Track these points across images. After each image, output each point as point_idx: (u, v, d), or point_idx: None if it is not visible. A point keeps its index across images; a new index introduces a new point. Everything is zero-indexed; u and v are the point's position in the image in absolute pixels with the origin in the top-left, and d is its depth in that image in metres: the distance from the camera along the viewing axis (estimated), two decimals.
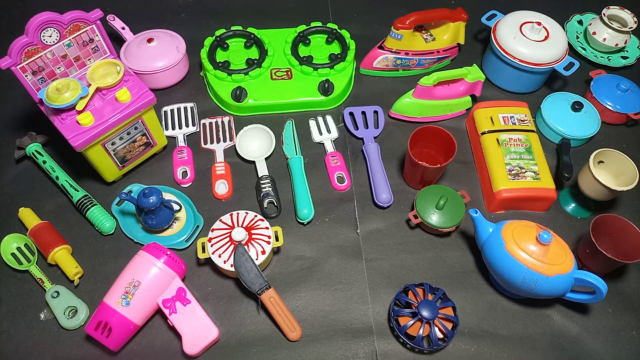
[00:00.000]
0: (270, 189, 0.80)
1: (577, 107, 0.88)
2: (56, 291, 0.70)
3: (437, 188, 0.78)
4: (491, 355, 0.69)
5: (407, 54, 0.94)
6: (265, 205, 0.79)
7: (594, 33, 1.01)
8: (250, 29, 0.96)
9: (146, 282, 0.66)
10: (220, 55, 0.95)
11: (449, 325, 0.68)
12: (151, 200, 0.69)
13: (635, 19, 0.99)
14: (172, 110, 0.90)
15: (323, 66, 0.92)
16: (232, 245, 0.70)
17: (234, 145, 0.86)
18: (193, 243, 0.77)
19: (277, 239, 0.73)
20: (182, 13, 1.06)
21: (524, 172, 0.80)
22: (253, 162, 0.84)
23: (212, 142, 0.87)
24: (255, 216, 0.73)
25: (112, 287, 0.66)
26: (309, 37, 0.97)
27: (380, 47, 0.94)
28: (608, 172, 0.80)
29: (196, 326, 0.66)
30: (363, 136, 0.88)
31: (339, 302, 0.73)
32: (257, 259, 0.69)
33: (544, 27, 0.91)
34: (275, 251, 0.76)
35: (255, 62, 0.92)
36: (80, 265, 0.73)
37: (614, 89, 0.91)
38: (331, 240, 0.78)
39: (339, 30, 0.97)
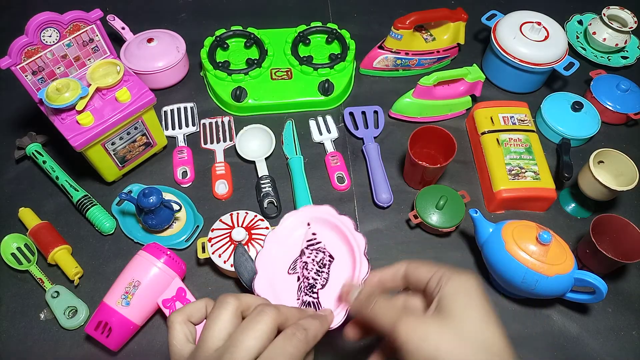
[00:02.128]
0: (270, 189, 0.80)
1: (577, 107, 0.88)
2: (56, 291, 0.70)
3: (437, 188, 0.78)
4: None
5: (407, 54, 0.94)
6: (265, 205, 0.79)
7: (594, 33, 1.01)
8: (250, 29, 0.96)
9: (146, 282, 0.66)
10: (220, 55, 0.95)
11: None
12: (151, 200, 0.69)
13: (635, 19, 0.99)
14: (172, 110, 0.90)
15: (323, 66, 0.92)
16: (232, 245, 0.70)
17: (234, 145, 0.86)
18: (193, 243, 0.77)
19: None
20: (182, 13, 1.06)
21: (524, 172, 0.80)
22: (253, 162, 0.84)
23: (212, 142, 0.87)
24: (255, 216, 0.73)
25: (112, 287, 0.66)
26: (309, 37, 0.97)
27: (380, 47, 0.94)
28: (608, 172, 0.80)
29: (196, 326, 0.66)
30: (363, 136, 0.88)
31: None
32: None
33: (544, 27, 0.91)
34: None
35: (255, 62, 0.92)
36: (80, 265, 0.73)
37: (614, 89, 0.91)
38: None
39: (339, 30, 0.97)
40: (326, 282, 0.50)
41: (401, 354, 0.41)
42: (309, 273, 0.52)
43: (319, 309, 0.49)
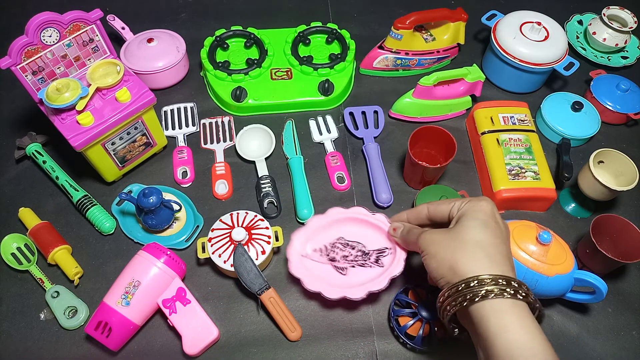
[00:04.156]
0: (270, 189, 0.80)
1: (577, 107, 0.88)
2: (56, 291, 0.70)
3: (437, 188, 0.78)
4: None
5: (407, 54, 0.94)
6: (265, 205, 0.79)
7: (594, 33, 1.01)
8: (250, 29, 0.96)
9: (146, 282, 0.66)
10: (220, 55, 0.95)
11: None
12: (151, 200, 0.69)
13: (635, 19, 0.99)
14: (172, 110, 0.90)
15: (323, 66, 0.92)
16: (232, 245, 0.70)
17: (234, 145, 0.86)
18: (193, 243, 0.77)
19: (277, 239, 0.73)
20: (182, 13, 1.06)
21: (524, 172, 0.80)
22: (253, 162, 0.84)
23: (212, 142, 0.87)
24: (255, 216, 0.73)
25: (112, 287, 0.66)
26: (309, 37, 0.97)
27: (380, 47, 0.94)
28: (608, 172, 0.80)
29: (196, 326, 0.67)
30: (363, 136, 0.88)
31: (339, 301, 0.73)
32: (257, 259, 0.69)
33: (544, 27, 0.91)
34: (275, 251, 0.76)
35: (255, 62, 0.92)
36: (80, 265, 0.73)
37: (614, 89, 0.91)
38: None
39: (339, 30, 0.97)
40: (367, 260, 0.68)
41: (423, 261, 0.55)
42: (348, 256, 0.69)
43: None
